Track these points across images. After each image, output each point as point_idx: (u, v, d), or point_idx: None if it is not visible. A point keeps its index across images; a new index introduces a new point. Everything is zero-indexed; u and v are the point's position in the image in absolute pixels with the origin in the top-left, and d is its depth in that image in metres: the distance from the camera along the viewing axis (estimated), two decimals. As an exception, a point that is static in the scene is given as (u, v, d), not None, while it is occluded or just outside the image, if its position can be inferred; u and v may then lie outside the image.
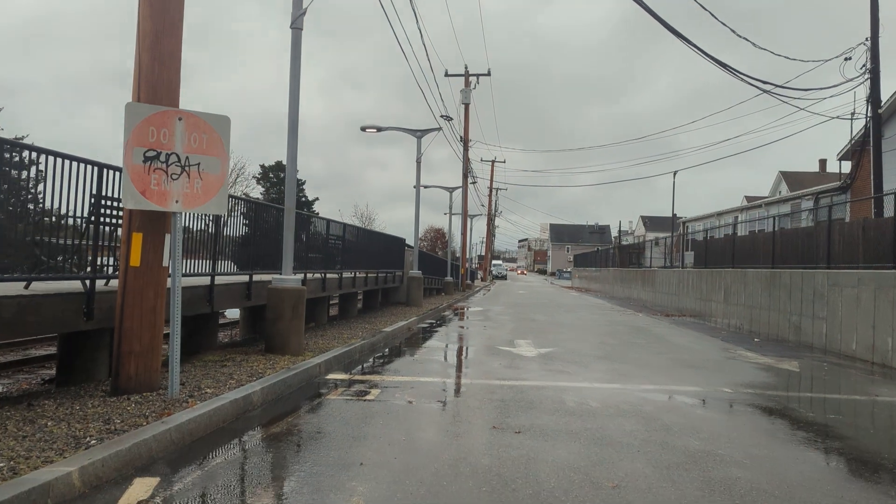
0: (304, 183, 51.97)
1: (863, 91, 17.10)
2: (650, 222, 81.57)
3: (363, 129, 18.75)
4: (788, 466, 4.23)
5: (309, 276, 11.56)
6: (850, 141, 21.92)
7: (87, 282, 5.66)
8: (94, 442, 3.88)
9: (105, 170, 5.74)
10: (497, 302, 25.01)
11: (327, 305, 14.55)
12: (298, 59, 8.23)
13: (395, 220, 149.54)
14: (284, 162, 8.53)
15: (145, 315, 5.28)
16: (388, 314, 15.37)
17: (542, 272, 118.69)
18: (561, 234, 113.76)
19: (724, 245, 18.97)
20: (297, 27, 8.21)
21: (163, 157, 5.12)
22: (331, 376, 7.26)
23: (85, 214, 5.66)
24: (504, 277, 77.22)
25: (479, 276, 59.37)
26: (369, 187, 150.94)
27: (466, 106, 33.52)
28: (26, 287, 5.35)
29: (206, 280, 7.89)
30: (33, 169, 5.27)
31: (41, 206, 5.51)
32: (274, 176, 48.09)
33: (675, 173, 45.33)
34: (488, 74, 32.71)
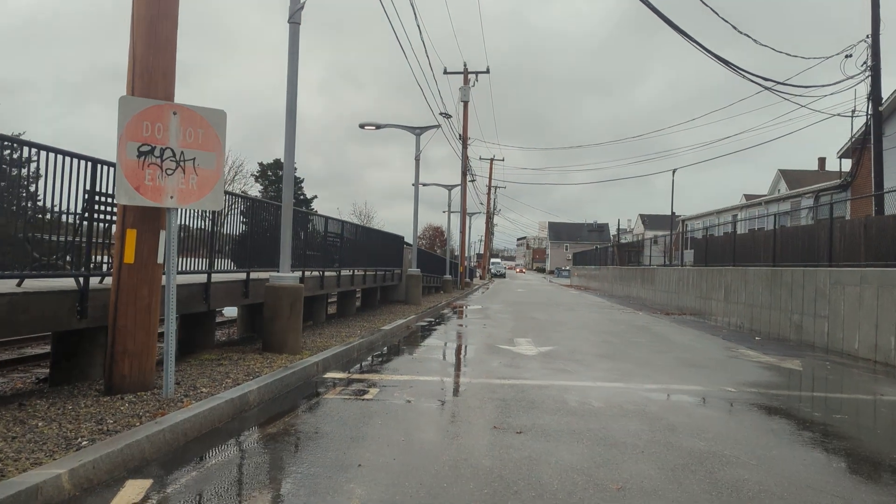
0: (302, 181, 51.88)
1: (863, 89, 17.03)
2: (649, 220, 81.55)
3: (362, 126, 18.64)
4: (796, 468, 4.15)
5: (307, 273, 11.46)
6: (851, 139, 21.86)
7: (81, 279, 5.56)
8: (85, 443, 3.78)
9: (99, 165, 5.63)
10: (496, 300, 24.92)
11: (325, 303, 14.45)
12: (296, 53, 8.12)
13: (394, 219, 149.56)
14: (282, 159, 8.43)
15: (139, 313, 5.18)
16: (386, 312, 15.28)
17: (541, 270, 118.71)
18: (559, 232, 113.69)
19: (725, 243, 18.88)
20: (294, 22, 8.11)
21: (157, 152, 5.02)
22: (329, 375, 7.17)
23: (79, 211, 5.56)
24: (503, 276, 77.15)
25: (477, 275, 59.30)
26: (368, 185, 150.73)
27: (465, 104, 33.40)
28: (18, 285, 5.25)
29: (202, 278, 7.79)
30: (26, 164, 5.18)
31: (35, 202, 5.42)
32: (272, 174, 47.96)
33: (674, 171, 45.30)
34: (487, 72, 32.58)
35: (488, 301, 24.28)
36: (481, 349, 9.91)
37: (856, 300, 10.59)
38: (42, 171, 5.15)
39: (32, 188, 5.46)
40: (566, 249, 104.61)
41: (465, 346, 10.59)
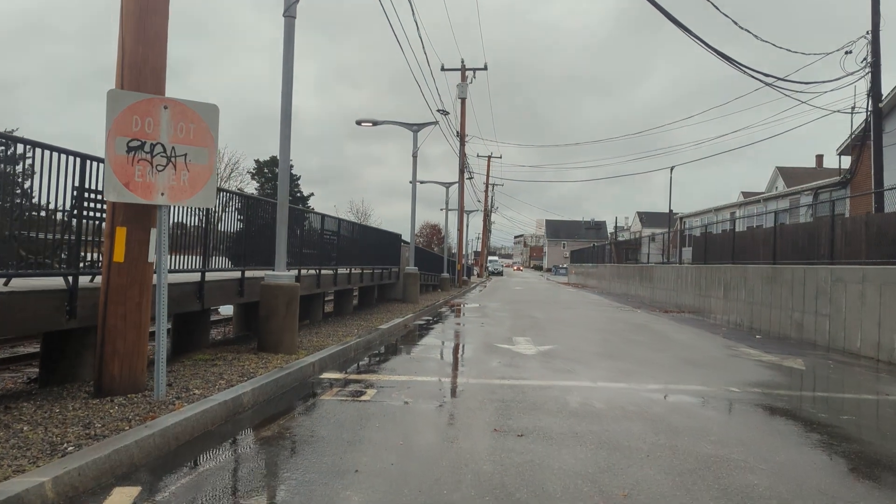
0: (298, 178, 51.68)
1: (863, 85, 16.94)
2: (646, 218, 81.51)
3: (359, 122, 18.49)
4: (806, 472, 4.03)
5: (304, 272, 11.32)
6: (851, 135, 21.78)
7: (70, 278, 5.41)
8: (71, 448, 3.64)
9: (88, 161, 5.47)
10: (494, 298, 24.81)
11: (322, 302, 14.30)
12: (291, 48, 7.97)
13: (391, 216, 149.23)
14: (278, 156, 8.27)
15: (130, 313, 5.03)
16: (384, 311, 15.14)
17: (539, 268, 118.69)
18: (557, 229, 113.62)
19: (724, 241, 18.79)
20: (289, 15, 7.95)
21: (147, 148, 4.87)
22: (325, 375, 7.03)
23: (67, 208, 5.41)
24: (500, 273, 77.07)
25: (475, 273, 59.20)
26: (365, 183, 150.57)
27: (463, 101, 33.23)
28: (6, 284, 5.10)
29: (196, 276, 7.64)
30: (15, 161, 5.02)
31: (22, 199, 5.27)
32: (269, 171, 47.74)
33: (671, 169, 45.28)
34: (485, 69, 32.39)
35: (486, 299, 24.16)
36: (480, 348, 9.79)
37: (858, 298, 10.50)
38: (32, 168, 5.02)
39: (20, 185, 5.31)
40: (563, 247, 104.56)
41: (464, 346, 10.46)
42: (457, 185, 33.60)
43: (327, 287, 13.19)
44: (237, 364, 6.76)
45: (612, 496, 3.49)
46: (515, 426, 4.95)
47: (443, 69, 31.42)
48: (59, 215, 5.50)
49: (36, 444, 3.72)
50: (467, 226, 48.49)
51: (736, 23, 13.51)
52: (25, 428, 4.05)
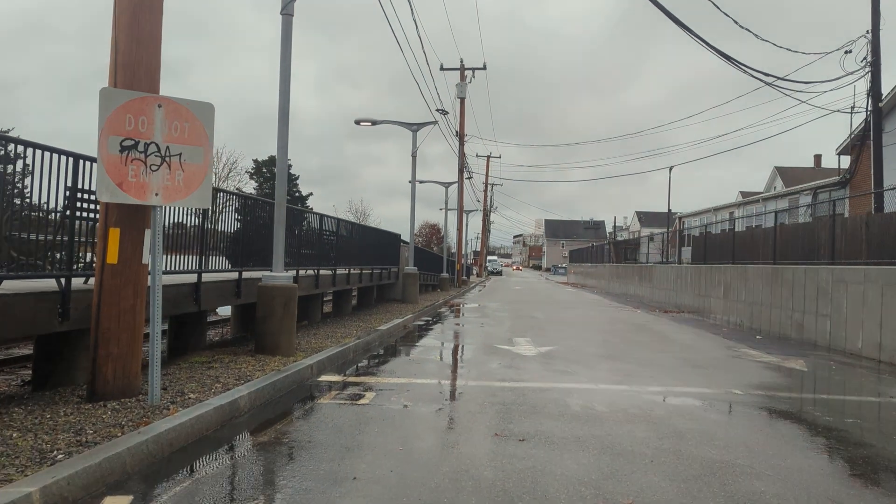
0: (297, 178, 51.49)
1: (863, 85, 16.88)
2: (645, 218, 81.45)
3: (357, 122, 18.39)
4: (814, 478, 3.95)
5: (302, 272, 11.22)
6: (850, 135, 21.70)
7: (63, 280, 5.31)
8: (61, 456, 3.54)
9: (81, 160, 5.38)
10: (493, 298, 24.73)
11: (321, 303, 14.21)
12: (289, 45, 7.87)
13: (390, 216, 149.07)
14: (276, 154, 8.17)
15: (123, 315, 4.94)
16: (383, 311, 15.05)
17: (538, 268, 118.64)
18: (556, 229, 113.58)
19: (724, 241, 18.72)
20: (287, 13, 7.86)
21: (141, 147, 4.77)
22: (323, 378, 6.94)
23: (60, 208, 5.32)
24: (499, 273, 77.02)
25: (474, 272, 59.12)
26: (364, 183, 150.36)
27: (462, 100, 33.15)
28: (-4, 286, 5.00)
29: (192, 277, 7.54)
30: (7, 162, 4.92)
31: (14, 199, 5.17)
32: (267, 171, 47.59)
33: (670, 168, 45.20)
34: (484, 68, 32.31)
35: (486, 299, 24.08)
36: (480, 350, 9.70)
37: (859, 298, 10.43)
38: (24, 169, 4.92)
39: (12, 185, 5.21)
40: (562, 247, 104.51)
41: (464, 347, 10.37)
42: (456, 184, 33.52)
43: (326, 287, 13.10)
44: (234, 367, 6.67)
45: (616, 503, 3.41)
46: (516, 430, 4.87)
47: (442, 69, 31.34)
48: (51, 216, 5.40)
49: (25, 451, 3.63)
50: (467, 225, 48.41)
51: (736, 22, 13.45)
52: (15, 434, 3.95)
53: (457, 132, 32.91)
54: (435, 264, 29.49)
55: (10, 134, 11.79)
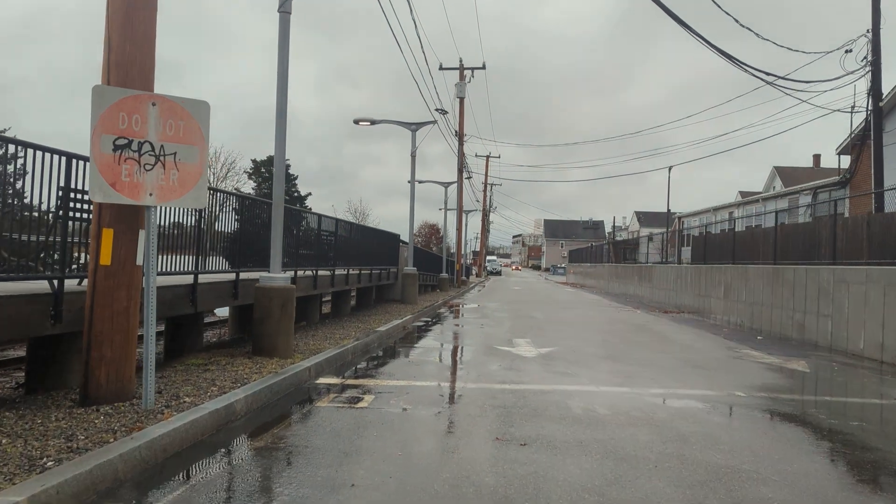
0: (296, 178, 51.39)
1: (863, 84, 16.82)
2: (644, 218, 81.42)
3: (356, 121, 18.30)
4: (821, 483, 3.87)
5: (300, 273, 11.13)
6: (850, 135, 21.65)
7: (56, 281, 5.22)
8: (51, 463, 3.45)
9: (74, 160, 5.29)
10: (493, 298, 24.65)
11: (319, 303, 14.12)
12: (287, 43, 7.78)
13: (389, 216, 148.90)
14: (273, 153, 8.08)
15: (117, 317, 4.84)
16: (382, 312, 14.96)
17: (537, 268, 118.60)
18: (555, 229, 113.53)
19: (724, 241, 18.65)
20: (285, 11, 7.77)
21: (135, 146, 4.68)
22: (321, 381, 6.85)
23: (53, 209, 5.23)
24: (498, 273, 76.97)
25: (473, 272, 59.04)
26: (363, 183, 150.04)
27: (461, 100, 33.07)
28: (-12, 288, 4.91)
29: (188, 279, 7.45)
30: (7, 164, 4.83)
31: (5, 199, 5.07)
32: (265, 171, 47.46)
33: (669, 168, 45.16)
34: (483, 68, 32.22)
35: (485, 299, 24.00)
36: (480, 351, 9.62)
37: (861, 299, 10.36)
38: (11, 167, 4.83)
39: (4, 186, 5.12)
40: (562, 247, 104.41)
41: (463, 348, 10.29)
42: (455, 184, 33.44)
43: (324, 288, 13.01)
44: (230, 369, 6.58)
45: (621, 512, 3.32)
46: (518, 434, 4.78)
47: (441, 68, 31.26)
48: (44, 216, 5.31)
49: (14, 458, 3.54)
50: (466, 225, 48.33)
51: (737, 21, 13.37)
52: (4, 441, 3.86)
53: (456, 132, 32.83)
54: (434, 264, 29.40)
55: (6, 134, 11.68)
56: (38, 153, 4.94)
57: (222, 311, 15.62)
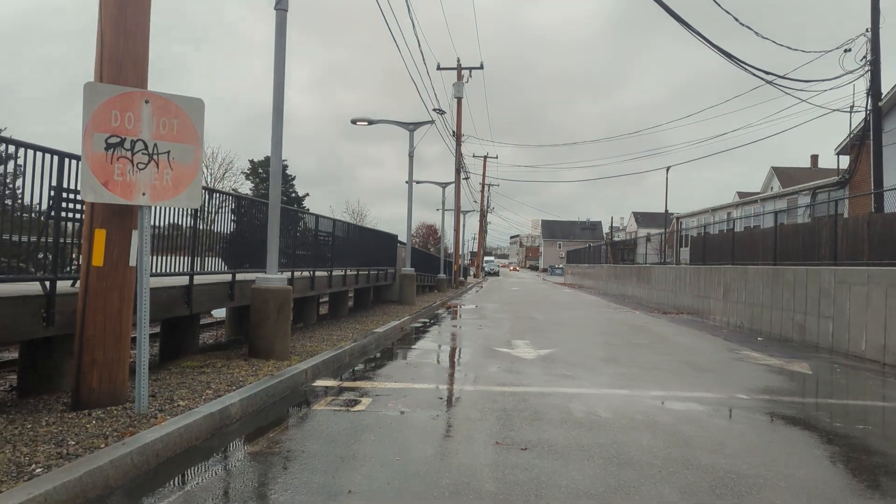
0: (293, 179, 51.34)
1: (862, 84, 16.77)
2: (642, 218, 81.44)
3: (353, 121, 18.21)
4: (829, 490, 3.78)
5: (297, 274, 11.03)
6: (850, 135, 21.61)
7: (48, 283, 5.12)
8: (39, 470, 3.35)
9: (67, 159, 5.18)
10: (491, 299, 24.56)
11: (316, 305, 14.02)
12: (283, 42, 7.69)
13: (387, 217, 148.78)
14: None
15: (110, 320, 4.74)
16: (379, 313, 14.86)
17: (534, 268, 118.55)
18: (553, 230, 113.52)
19: (723, 241, 18.59)
20: (281, 8, 7.67)
21: (127, 144, 4.58)
22: (318, 383, 6.75)
23: (45, 209, 5.12)
24: (496, 274, 76.88)
25: (471, 273, 58.95)
26: (361, 184, 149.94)
27: (459, 100, 32.99)
28: (-23, 289, 4.81)
29: (184, 280, 7.34)
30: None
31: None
32: (263, 171, 47.36)
33: (667, 169, 45.09)
34: (481, 68, 32.16)
35: (483, 300, 23.91)
36: (479, 352, 9.52)
37: (863, 300, 10.29)
38: (14, 171, 4.74)
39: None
40: (559, 247, 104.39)
41: (462, 350, 10.20)
42: (453, 185, 33.35)
43: (322, 289, 12.91)
44: (226, 371, 6.48)
45: (626, 520, 3.24)
46: (518, 438, 4.69)
47: (439, 68, 31.17)
48: (36, 216, 5.21)
49: (2, 464, 3.43)
50: (464, 226, 48.22)
51: (737, 19, 13.32)
52: (-8, 446, 3.76)
53: (454, 132, 32.75)
54: (432, 265, 29.31)
55: (2, 135, 11.54)
56: (31, 152, 4.85)
57: (219, 313, 15.50)
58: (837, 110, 18.91)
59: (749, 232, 19.62)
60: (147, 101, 4.66)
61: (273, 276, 7.53)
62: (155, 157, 4.67)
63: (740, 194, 43.60)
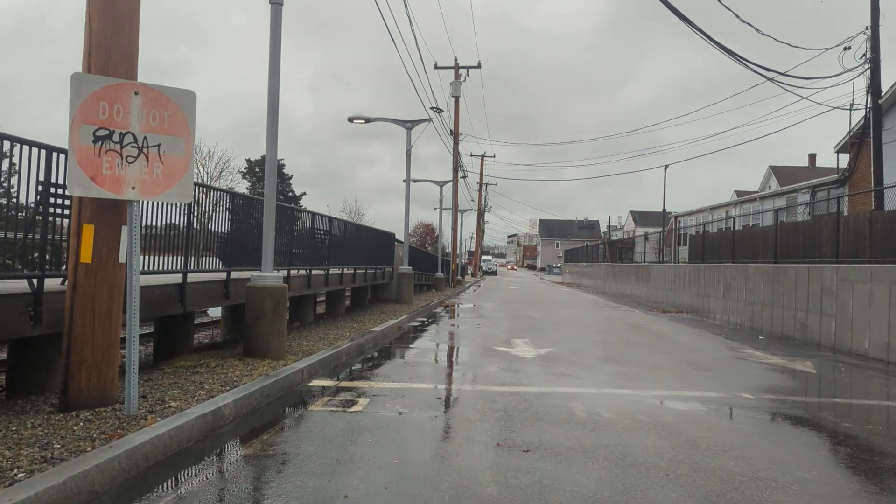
0: (290, 178, 51.19)
1: (862, 81, 16.69)
2: (640, 217, 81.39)
3: (351, 119, 18.05)
4: (844, 493, 3.66)
5: (294, 272, 10.89)
6: (849, 133, 21.52)
7: (35, 281, 4.96)
8: (22, 475, 3.21)
9: (55, 153, 5.03)
10: (489, 298, 24.43)
11: (313, 304, 13.87)
12: (279, 36, 7.54)
13: (384, 216, 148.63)
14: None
15: (98, 318, 4.60)
16: (377, 312, 14.72)
17: (532, 267, 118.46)
18: (550, 229, 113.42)
19: (723, 239, 18.49)
20: (276, 2, 7.53)
21: (116, 137, 4.43)
22: (315, 383, 6.61)
23: (31, 204, 4.97)
24: (494, 273, 76.77)
25: (469, 272, 58.81)
26: (358, 183, 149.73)
27: (456, 99, 32.86)
28: (-38, 287, 4.66)
29: (177, 278, 7.20)
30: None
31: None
32: (259, 170, 47.17)
33: (665, 167, 45.04)
34: (478, 67, 32.04)
35: (481, 299, 23.78)
36: (477, 351, 9.39)
37: (866, 298, 10.19)
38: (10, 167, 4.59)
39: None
40: (557, 246, 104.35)
41: (461, 349, 10.06)
42: (451, 183, 33.22)
43: (318, 288, 12.76)
44: (220, 371, 6.33)
45: (634, 526, 3.11)
46: (520, 440, 4.56)
47: (436, 67, 31.02)
48: (23, 212, 5.06)
49: (-18, 469, 3.29)
50: (461, 225, 48.07)
51: (737, 15, 13.21)
52: (-26, 450, 3.61)
53: (451, 131, 32.61)
54: (430, 264, 29.17)
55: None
56: (17, 146, 4.71)
57: (215, 312, 15.35)
58: (837, 108, 18.83)
59: (749, 230, 19.53)
60: (137, 93, 4.52)
61: (269, 274, 7.38)
62: (145, 150, 4.53)
63: (738, 193, 43.54)
